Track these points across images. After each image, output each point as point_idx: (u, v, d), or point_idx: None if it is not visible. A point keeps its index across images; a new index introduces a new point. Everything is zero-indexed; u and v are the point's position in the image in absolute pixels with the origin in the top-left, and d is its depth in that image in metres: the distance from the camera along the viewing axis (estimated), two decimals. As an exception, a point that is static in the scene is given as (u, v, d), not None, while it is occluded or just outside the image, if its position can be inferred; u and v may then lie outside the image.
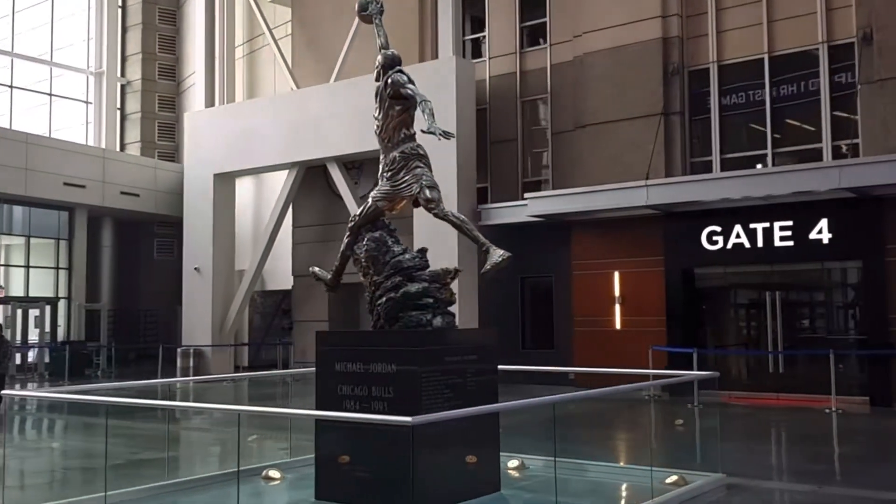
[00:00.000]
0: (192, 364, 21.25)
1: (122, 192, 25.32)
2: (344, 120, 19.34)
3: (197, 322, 21.72)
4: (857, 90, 14.41)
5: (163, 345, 27.73)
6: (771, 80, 15.38)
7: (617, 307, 16.41)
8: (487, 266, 7.21)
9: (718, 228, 15.29)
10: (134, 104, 30.31)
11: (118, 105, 29.69)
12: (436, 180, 7.75)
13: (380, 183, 7.94)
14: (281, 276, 23.00)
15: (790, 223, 14.61)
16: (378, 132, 7.76)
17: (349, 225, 8.09)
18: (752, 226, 14.95)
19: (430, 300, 7.58)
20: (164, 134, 30.56)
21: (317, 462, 7.23)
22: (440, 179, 17.62)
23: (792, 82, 15.26)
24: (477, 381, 7.48)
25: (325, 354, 7.60)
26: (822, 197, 14.00)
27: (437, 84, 17.79)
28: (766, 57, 15.42)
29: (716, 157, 15.94)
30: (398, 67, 7.77)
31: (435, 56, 19.39)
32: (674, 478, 7.48)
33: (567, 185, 17.06)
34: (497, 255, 7.23)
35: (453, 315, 7.71)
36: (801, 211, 14.44)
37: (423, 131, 7.26)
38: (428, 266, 7.80)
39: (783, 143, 15.47)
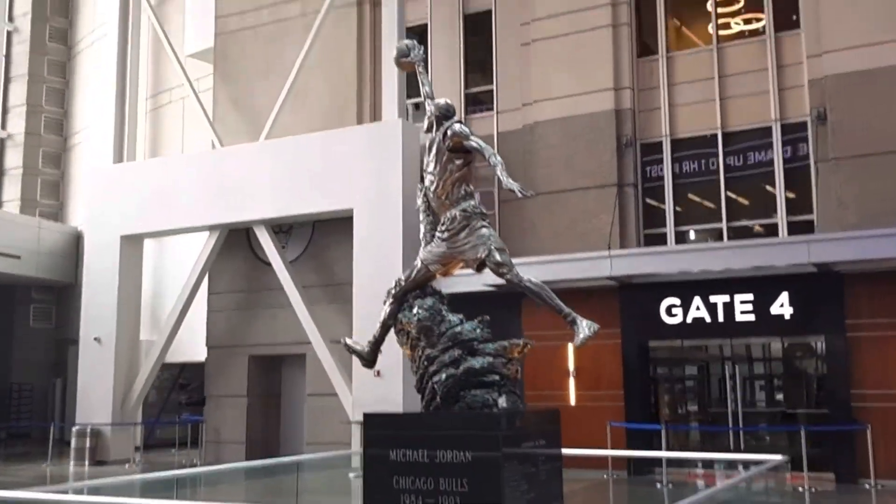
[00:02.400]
0: (88, 445, 19.06)
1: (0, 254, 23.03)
2: (274, 181, 18.23)
3: (95, 398, 19.59)
4: (811, 168, 14.73)
5: (38, 423, 25.13)
6: (724, 155, 15.57)
7: (571, 381, 15.88)
8: (578, 341, 6.48)
9: (677, 301, 15.12)
10: (15, 159, 27.96)
11: (-4, 159, 27.37)
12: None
13: (431, 244, 7.10)
14: (183, 346, 21.20)
15: (751, 297, 14.60)
16: (433, 188, 6.95)
17: (392, 291, 7.18)
18: (712, 299, 14.86)
19: (496, 377, 6.74)
20: (47, 191, 28.29)
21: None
22: (386, 246, 17.00)
23: (746, 157, 15.49)
24: (547, 470, 6.67)
25: (375, 440, 6.59)
26: (782, 271, 14.09)
27: (382, 147, 17.13)
28: (719, 132, 15.62)
29: (670, 230, 15.90)
30: (456, 118, 7.03)
31: (374, 118, 18.71)
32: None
33: (517, 255, 16.43)
34: (585, 326, 6.52)
35: (518, 394, 6.90)
36: (762, 285, 14.47)
37: (504, 188, 6.50)
38: (490, 338, 6.97)
39: (738, 217, 15.61)
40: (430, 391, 6.83)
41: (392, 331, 7.24)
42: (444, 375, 6.71)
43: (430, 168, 7.01)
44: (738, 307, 14.67)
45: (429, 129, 7.21)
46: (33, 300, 27.31)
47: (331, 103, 19.11)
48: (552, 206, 16.34)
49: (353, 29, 19.09)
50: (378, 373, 16.57)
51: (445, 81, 18.32)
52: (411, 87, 17.87)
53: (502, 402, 6.65)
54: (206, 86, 21.58)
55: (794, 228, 14.88)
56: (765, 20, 15.64)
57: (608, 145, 16.06)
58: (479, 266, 6.87)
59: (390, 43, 17.38)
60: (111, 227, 20.09)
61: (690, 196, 16.09)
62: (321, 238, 18.81)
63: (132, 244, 20.34)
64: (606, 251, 14.86)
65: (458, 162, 6.91)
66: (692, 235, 16.06)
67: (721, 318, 14.76)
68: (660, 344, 15.75)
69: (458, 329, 6.90)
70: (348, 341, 7.39)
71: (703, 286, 14.85)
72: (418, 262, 7.12)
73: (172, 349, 20.21)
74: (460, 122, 7.05)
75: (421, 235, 7.65)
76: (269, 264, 18.86)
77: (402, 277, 7.18)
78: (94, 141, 24.96)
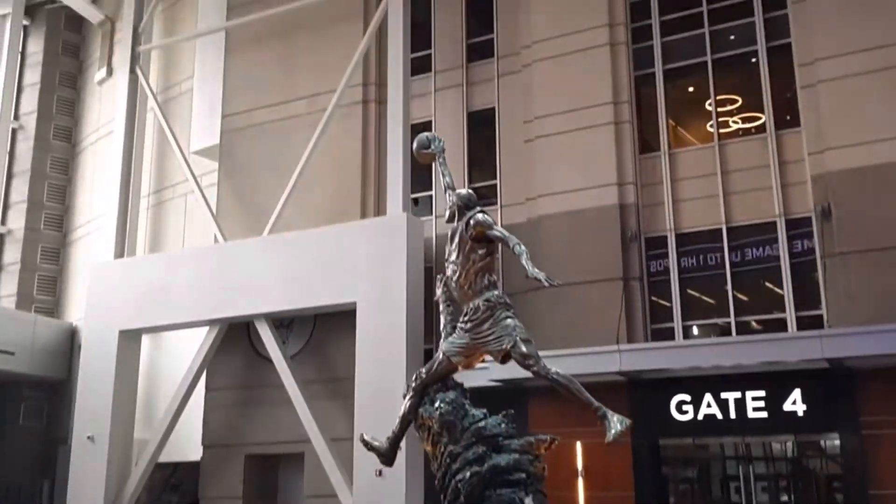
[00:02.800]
0: (76, 550, 18.32)
1: (-5, 350, 22.65)
2: (277, 275, 18.12)
3: (85, 500, 18.93)
4: (818, 262, 14.72)
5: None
6: (730, 249, 15.56)
7: (580, 481, 15.43)
8: (610, 436, 6.27)
9: (688, 398, 14.85)
10: (13, 254, 27.82)
11: (-6, 255, 27.25)
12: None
13: (453, 335, 6.95)
14: (175, 445, 20.61)
15: (763, 393, 14.36)
16: (455, 277, 6.84)
17: (412, 384, 6.99)
18: (723, 395, 14.61)
19: (523, 475, 6.50)
20: (43, 287, 28.04)
21: None
22: (389, 341, 16.79)
23: (752, 251, 15.49)
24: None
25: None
26: (793, 367, 13.90)
27: (386, 241, 17.10)
28: (723, 227, 15.67)
29: (678, 325, 15.75)
30: (479, 208, 6.98)
31: (377, 213, 18.76)
32: None
33: (522, 350, 16.33)
34: (617, 421, 6.33)
35: (545, 494, 6.62)
36: (774, 381, 14.25)
37: (527, 277, 6.39)
38: (515, 434, 6.74)
39: (745, 311, 15.49)
40: (453, 490, 6.57)
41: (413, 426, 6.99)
42: (468, 473, 6.47)
43: (453, 258, 6.93)
44: (750, 404, 14.43)
45: (451, 219, 7.17)
46: (24, 397, 26.65)
47: (335, 198, 19.19)
48: (558, 299, 16.19)
49: (359, 126, 19.34)
50: (380, 472, 16.09)
51: (449, 177, 18.45)
52: (415, 181, 18.07)
53: (529, 501, 6.40)
54: (208, 181, 21.70)
55: (802, 323, 14.77)
56: (764, 118, 15.89)
57: (613, 239, 16.08)
58: (504, 358, 6.72)
59: (395, 139, 17.67)
60: (109, 322, 19.83)
61: (697, 291, 16.00)
62: (323, 333, 18.56)
63: (130, 340, 20.04)
64: (615, 345, 14.67)
65: (480, 252, 6.84)
66: (696, 331, 15.90)
67: (733, 415, 14.48)
68: (670, 442, 15.39)
69: (482, 424, 6.70)
70: (366, 437, 7.13)
71: (714, 382, 14.63)
72: (440, 354, 6.96)
73: (168, 448, 19.65)
74: (483, 211, 7.01)
75: (441, 327, 7.52)
76: (268, 360, 18.55)
77: (423, 370, 7.01)
78: (94, 236, 24.93)
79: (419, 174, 18.62)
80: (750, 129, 16.03)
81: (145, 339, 21.43)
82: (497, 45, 18.61)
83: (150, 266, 20.43)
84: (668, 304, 15.92)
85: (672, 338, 15.65)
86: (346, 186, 19.23)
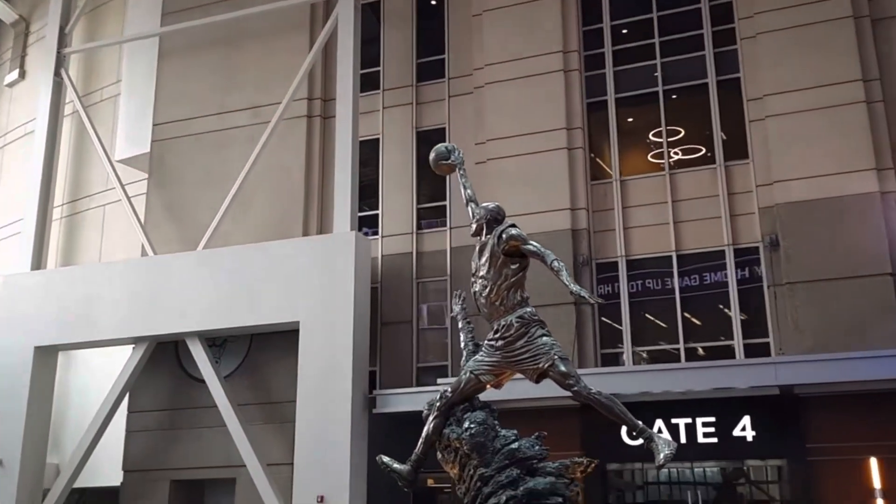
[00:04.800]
0: (-20, 584, 16.89)
1: None
2: (212, 291, 17.33)
3: (-9, 529, 17.53)
4: (765, 291, 15.08)
5: None
6: (679, 276, 15.79)
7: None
8: (659, 460, 6.07)
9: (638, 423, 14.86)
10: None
11: None
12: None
13: (481, 352, 6.65)
14: (86, 469, 19.34)
15: (713, 419, 14.55)
16: (485, 293, 6.56)
17: (436, 404, 6.65)
18: (673, 420, 14.73)
19: (559, 499, 6.23)
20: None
21: None
22: (334, 362, 16.27)
23: (701, 278, 15.75)
24: None
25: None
26: (743, 394, 14.15)
27: (333, 259, 16.61)
28: (673, 255, 15.90)
29: (627, 349, 15.84)
30: (511, 222, 6.74)
31: (320, 230, 18.25)
32: None
33: (470, 374, 16.13)
34: (663, 444, 6.14)
35: (578, 517, 6.38)
36: (723, 407, 14.46)
37: (572, 293, 6.17)
38: (548, 456, 6.49)
39: (694, 338, 15.72)
40: (484, 515, 6.23)
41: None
42: (504, 497, 6.17)
43: (483, 272, 6.66)
44: (700, 429, 14.57)
45: (477, 233, 6.92)
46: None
47: (275, 214, 18.57)
48: (508, 323, 16.04)
49: (302, 141, 18.82)
50: (322, 498, 15.55)
51: (397, 195, 18.18)
52: (363, 199, 17.68)
53: (564, 526, 6.13)
54: (133, 192, 20.65)
55: (749, 351, 15.07)
56: (714, 150, 16.23)
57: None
58: (540, 377, 6.45)
59: (344, 156, 17.24)
60: (23, 338, 18.51)
61: (647, 316, 16.16)
62: (259, 353, 17.83)
63: (46, 356, 18.78)
64: (570, 371, 14.56)
65: (513, 267, 6.60)
66: (645, 356, 16.04)
67: (683, 440, 14.58)
68: (619, 467, 15.39)
69: (515, 446, 6.41)
70: (385, 459, 6.73)
71: (665, 407, 14.72)
72: (467, 374, 6.64)
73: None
74: (514, 225, 6.77)
75: (462, 345, 7.21)
76: (198, 380, 17.69)
77: (448, 389, 6.67)
78: (4, 246, 23.41)
79: (366, 191, 18.29)
80: (700, 159, 16.37)
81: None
82: (448, 66, 18.50)
83: (69, 278, 19.24)
84: (618, 329, 15.99)
85: (622, 363, 15.71)
86: (287, 202, 18.65)
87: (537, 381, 6.54)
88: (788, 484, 14.41)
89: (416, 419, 16.07)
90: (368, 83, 18.83)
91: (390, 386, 16.88)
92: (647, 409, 14.77)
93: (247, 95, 19.54)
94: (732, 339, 15.25)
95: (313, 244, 17.24)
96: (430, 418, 6.63)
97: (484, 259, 6.67)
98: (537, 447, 6.44)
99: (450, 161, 7.36)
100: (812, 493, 13.84)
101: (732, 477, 15.39)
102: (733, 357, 15.06)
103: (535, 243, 6.52)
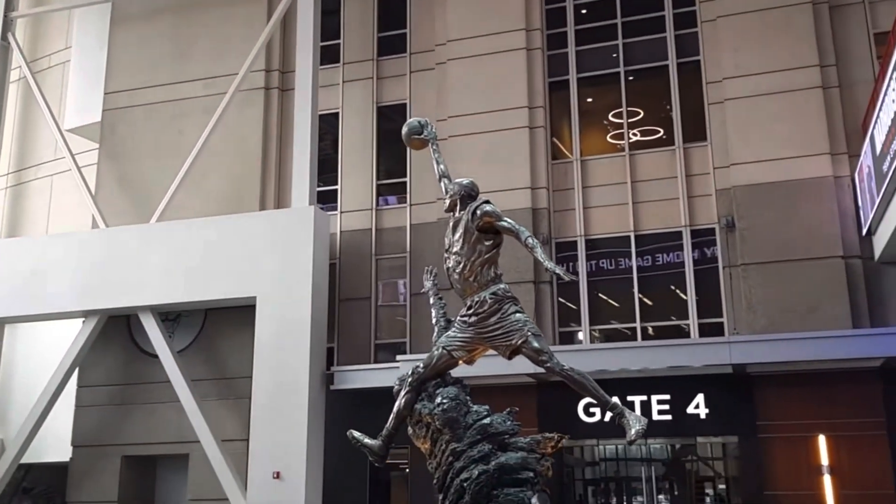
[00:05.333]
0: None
1: None
2: (166, 265, 17.02)
3: (-67, 506, 17.08)
4: (721, 272, 15.32)
5: None
6: (637, 255, 15.94)
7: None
8: (631, 435, 6.13)
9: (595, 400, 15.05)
10: None
11: None
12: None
13: (454, 328, 6.63)
14: (33, 445, 18.93)
15: (668, 397, 14.78)
16: (459, 269, 6.53)
17: (408, 379, 6.62)
18: (629, 398, 14.92)
19: (530, 474, 6.26)
20: None
21: None
22: (291, 337, 16.15)
23: (657, 259, 15.93)
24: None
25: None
26: (697, 372, 14.40)
27: (291, 233, 16.43)
28: (632, 234, 16.04)
29: (585, 328, 15.98)
30: (483, 198, 6.71)
31: (277, 205, 18.02)
32: None
33: (428, 350, 16.15)
34: (635, 421, 6.24)
35: (549, 493, 6.43)
36: (678, 385, 14.70)
37: (547, 270, 6.17)
38: (519, 431, 6.51)
39: (650, 317, 15.92)
40: (456, 489, 6.25)
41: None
42: (475, 472, 6.16)
43: (457, 248, 6.62)
44: (656, 407, 14.79)
45: (451, 209, 6.87)
46: None
47: (231, 187, 18.28)
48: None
49: (259, 113, 18.52)
50: (278, 474, 15.47)
51: (356, 171, 18.02)
52: (321, 174, 17.48)
53: (535, 501, 6.17)
54: (83, 162, 20.11)
55: (704, 330, 15.32)
56: (663, 132, 16.39)
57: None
58: (513, 353, 6.46)
59: (303, 130, 16.99)
60: (-32, 310, 18.01)
61: (604, 295, 16.31)
62: (213, 328, 17.58)
63: (-8, 329, 18.29)
64: (529, 348, 14.66)
65: (487, 243, 6.57)
66: (605, 334, 16.21)
67: (639, 418, 14.77)
68: (576, 444, 15.57)
69: (487, 421, 6.42)
70: (356, 434, 6.68)
71: (621, 385, 14.88)
72: (439, 349, 6.62)
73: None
74: (489, 201, 6.73)
75: (434, 321, 7.19)
76: (151, 355, 17.40)
77: (420, 365, 6.63)
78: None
79: (325, 166, 18.09)
80: (659, 140, 16.51)
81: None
82: (410, 41, 18.34)
83: (16, 250, 18.70)
84: (575, 308, 16.12)
85: (580, 341, 15.86)
86: (244, 175, 18.37)
87: (510, 358, 6.55)
88: (739, 460, 14.74)
89: (373, 395, 16.18)
90: (328, 56, 18.58)
91: (348, 362, 16.81)
92: (604, 386, 14.78)
93: (202, 65, 19.13)
94: (688, 318, 15.48)
95: (271, 218, 17.02)
96: (402, 393, 6.60)
97: (458, 235, 6.63)
98: (509, 422, 6.45)
99: (423, 136, 7.31)
100: (762, 469, 14.18)
101: (684, 453, 15.70)
102: (688, 336, 15.28)
103: (509, 220, 6.50)
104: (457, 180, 7.03)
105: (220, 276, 16.65)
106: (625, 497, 15.89)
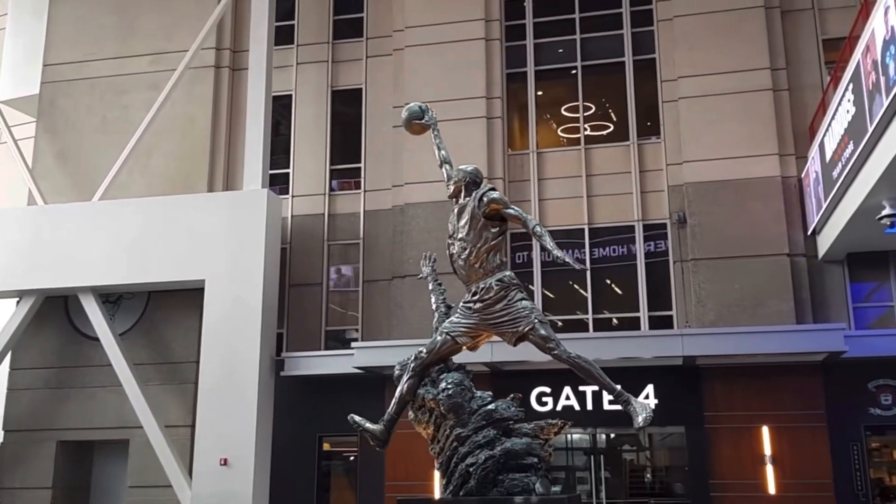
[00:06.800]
0: None
1: None
2: (108, 245, 16.47)
3: None
4: (671, 267, 15.68)
5: None
6: (591, 248, 16.18)
7: (436, 471, 15.36)
8: (638, 422, 6.23)
9: (548, 389, 15.29)
10: None
11: None
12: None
13: (457, 315, 6.63)
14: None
15: (618, 387, 15.00)
16: (464, 255, 6.53)
17: (410, 364, 6.60)
18: (581, 388, 15.17)
19: (535, 459, 6.34)
20: None
21: None
22: (241, 322, 15.85)
23: (611, 252, 16.20)
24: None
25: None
26: (648, 363, 14.72)
27: (243, 216, 16.12)
28: (586, 227, 16.26)
29: (537, 319, 16.11)
30: (490, 185, 6.72)
31: (226, 186, 17.64)
32: None
33: (380, 338, 16.12)
34: (641, 408, 6.34)
35: (550, 479, 6.51)
36: (629, 376, 14.94)
37: (556, 259, 6.21)
38: (524, 417, 6.56)
39: (602, 309, 16.18)
40: (461, 474, 6.27)
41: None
42: (481, 457, 6.20)
43: (462, 235, 6.61)
44: (606, 397, 15.02)
45: (454, 195, 6.85)
46: None
47: (178, 167, 17.79)
48: (421, 289, 16.02)
49: (209, 92, 18.07)
50: (225, 461, 15.20)
51: (309, 155, 17.77)
52: (272, 157, 17.18)
53: (539, 486, 6.24)
54: (18, 136, 19.29)
55: (654, 323, 15.66)
56: (618, 127, 16.66)
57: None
58: (518, 340, 6.49)
59: (256, 111, 16.67)
60: None
61: (557, 286, 16.50)
62: (156, 311, 17.09)
63: (-82, 308, 17.39)
64: (486, 337, 14.74)
65: (494, 230, 6.59)
66: (557, 325, 16.38)
67: (590, 407, 15.07)
68: (527, 433, 15.70)
69: (493, 406, 6.46)
70: (357, 419, 6.61)
71: (573, 375, 15.06)
72: (442, 335, 6.60)
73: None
74: (494, 188, 6.74)
75: (433, 307, 7.17)
76: (90, 337, 16.84)
77: (423, 351, 6.61)
78: None
79: (277, 148, 17.80)
80: (614, 135, 16.76)
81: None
82: (367, 25, 18.16)
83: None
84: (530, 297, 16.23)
85: (531, 331, 15.98)
86: (191, 155, 17.91)
87: (515, 345, 6.59)
88: (686, 450, 15.12)
89: (323, 382, 16.01)
90: (282, 37, 18.26)
91: (297, 349, 16.58)
92: (556, 376, 15.15)
93: (150, 40, 18.56)
94: (638, 310, 15.80)
95: (221, 200, 16.66)
96: (404, 379, 6.57)
97: (463, 221, 6.62)
98: (513, 408, 6.51)
99: (423, 121, 7.28)
100: (707, 459, 14.60)
101: (630, 442, 16.03)
102: (638, 328, 15.60)
103: (516, 207, 6.53)
104: (460, 166, 7.03)
105: (167, 258, 16.22)
106: (573, 485, 16.14)
